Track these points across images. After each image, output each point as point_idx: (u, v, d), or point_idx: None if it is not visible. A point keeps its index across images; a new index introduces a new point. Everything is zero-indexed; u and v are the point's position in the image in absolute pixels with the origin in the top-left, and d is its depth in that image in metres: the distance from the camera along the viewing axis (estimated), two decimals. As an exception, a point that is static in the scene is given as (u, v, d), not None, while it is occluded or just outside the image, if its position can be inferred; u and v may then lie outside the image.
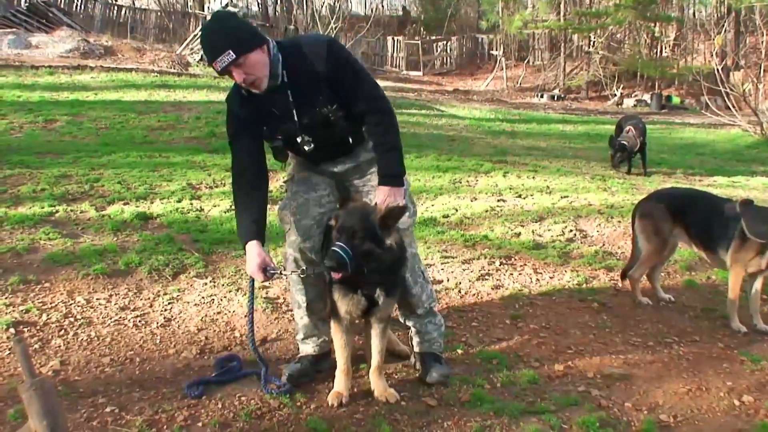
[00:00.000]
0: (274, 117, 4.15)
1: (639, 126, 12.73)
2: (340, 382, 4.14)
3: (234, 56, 3.81)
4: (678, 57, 34.25)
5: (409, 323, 4.55)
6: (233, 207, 4.39)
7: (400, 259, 4.09)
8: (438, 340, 4.53)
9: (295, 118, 4.14)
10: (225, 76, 3.97)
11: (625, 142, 12.37)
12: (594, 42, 35.30)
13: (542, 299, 5.88)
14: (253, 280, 4.24)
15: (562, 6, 34.77)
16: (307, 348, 4.47)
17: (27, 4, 31.13)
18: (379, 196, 4.13)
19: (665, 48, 35.39)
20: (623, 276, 6.15)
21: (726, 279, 5.72)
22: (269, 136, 4.22)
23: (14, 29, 26.63)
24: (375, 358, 4.19)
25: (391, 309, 4.25)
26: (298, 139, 4.19)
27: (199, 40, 28.13)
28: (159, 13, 40.07)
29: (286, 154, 4.37)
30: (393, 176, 4.17)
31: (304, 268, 4.19)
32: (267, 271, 4.06)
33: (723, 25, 29.87)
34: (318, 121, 4.13)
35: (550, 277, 6.38)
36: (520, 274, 6.43)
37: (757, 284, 5.51)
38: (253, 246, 4.05)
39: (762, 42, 25.16)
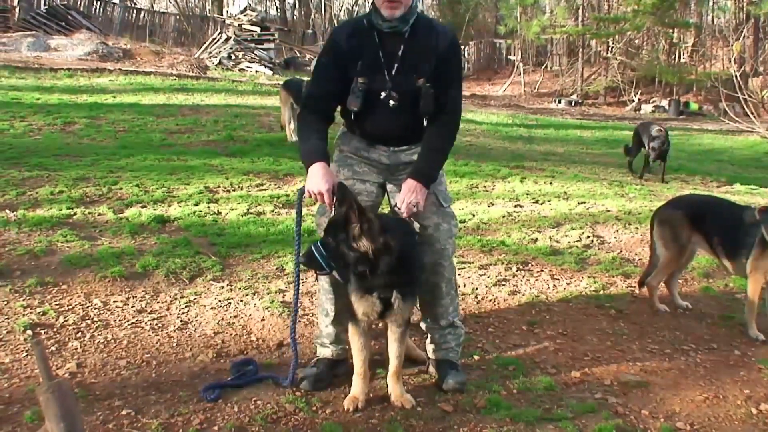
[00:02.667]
0: (376, 60, 4.17)
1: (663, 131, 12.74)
2: (357, 386, 4.12)
3: None
4: (696, 63, 34.10)
5: (429, 331, 4.54)
6: (299, 139, 4.33)
7: (414, 262, 4.05)
8: (455, 349, 4.51)
9: (393, 72, 4.18)
10: None
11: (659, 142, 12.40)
12: (612, 47, 35.21)
13: (559, 305, 5.86)
14: (300, 204, 4.33)
15: (580, 11, 34.73)
16: (326, 351, 4.46)
17: (47, 7, 31.40)
18: (404, 187, 4.13)
19: (683, 54, 35.25)
20: (641, 283, 6.12)
21: (744, 286, 5.67)
22: (359, 73, 4.17)
23: (34, 32, 26.88)
24: (393, 363, 4.16)
25: (409, 313, 4.19)
26: (383, 94, 4.18)
27: (220, 45, 28.45)
28: (178, 17, 40.34)
29: (359, 102, 4.21)
30: (426, 176, 4.18)
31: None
32: (339, 195, 3.95)
33: (741, 32, 29.72)
34: (409, 87, 4.17)
35: (567, 284, 6.35)
36: (536, 280, 6.41)
37: (776, 292, 5.48)
38: (323, 165, 4.04)
39: (781, 48, 25.06)
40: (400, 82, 4.18)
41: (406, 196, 4.08)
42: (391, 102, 4.18)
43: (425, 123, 4.27)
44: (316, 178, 4.01)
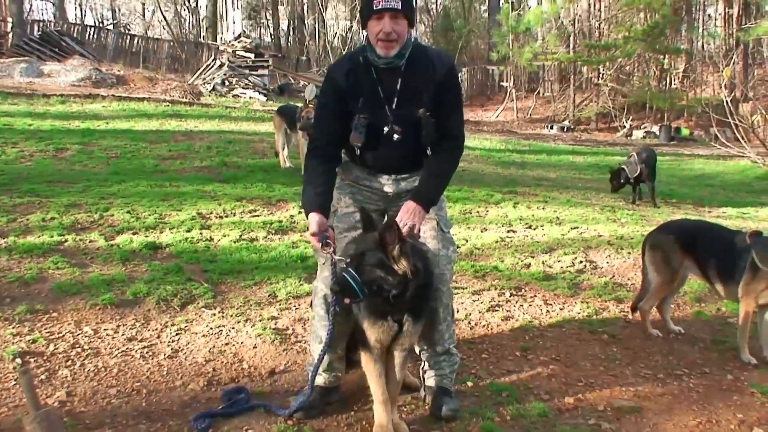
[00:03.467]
0: (376, 96, 4.19)
1: (646, 155, 12.84)
2: (382, 415, 3.98)
3: (399, 8, 4.00)
4: (687, 89, 34.30)
5: (424, 357, 4.50)
6: (305, 179, 4.32)
7: (428, 286, 3.99)
8: (449, 376, 4.47)
9: (394, 106, 4.19)
10: (374, 17, 4.05)
11: (624, 167, 12.76)
12: (603, 74, 35.41)
13: (552, 331, 5.84)
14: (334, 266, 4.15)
15: (571, 38, 34.96)
16: (318, 379, 4.42)
17: (40, 33, 31.49)
18: (403, 209, 4.13)
19: (674, 80, 35.46)
20: (633, 308, 6.12)
21: (735, 311, 5.68)
22: (360, 110, 4.20)
23: (27, 57, 26.88)
24: (391, 389, 4.10)
25: (416, 337, 4.16)
26: (386, 129, 4.20)
27: (214, 71, 28.51)
28: (172, 43, 40.49)
29: (362, 138, 4.24)
30: (427, 199, 4.19)
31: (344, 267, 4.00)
32: (323, 239, 4.00)
33: (731, 57, 29.90)
34: (411, 118, 4.18)
35: (560, 309, 6.34)
36: (530, 305, 6.40)
37: (768, 316, 5.47)
38: (313, 216, 4.06)
39: (771, 74, 25.20)
40: (402, 114, 4.20)
41: (404, 217, 4.08)
42: (395, 136, 4.21)
43: (428, 151, 4.31)
44: (310, 226, 4.06)
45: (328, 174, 4.27)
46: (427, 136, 4.21)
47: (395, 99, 4.19)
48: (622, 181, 12.92)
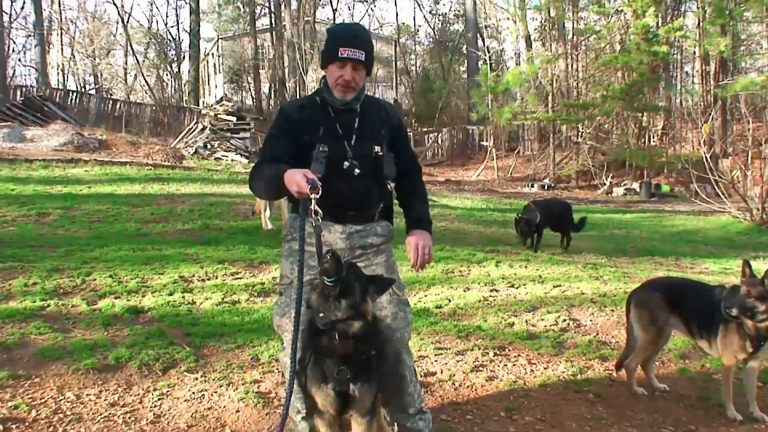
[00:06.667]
0: (334, 131, 4.24)
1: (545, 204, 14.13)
2: None
3: (363, 59, 4.18)
4: (666, 145, 34.70)
5: (401, 422, 4.45)
6: (256, 183, 4.17)
7: (371, 336, 3.86)
8: (428, 436, 4.45)
9: (353, 141, 4.26)
10: (337, 63, 4.16)
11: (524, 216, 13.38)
12: (582, 132, 35.80)
13: (537, 390, 5.81)
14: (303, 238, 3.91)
15: (550, 98, 35.42)
16: (304, 441, 4.40)
17: (23, 98, 31.62)
18: (412, 240, 4.33)
19: (653, 137, 35.87)
20: (618, 366, 6.10)
21: (720, 367, 5.68)
22: (319, 140, 4.18)
23: (9, 123, 26.91)
24: None
25: (370, 400, 3.95)
26: (345, 163, 4.21)
27: (196, 135, 28.59)
28: (154, 107, 40.70)
29: (322, 168, 4.07)
30: (427, 222, 4.50)
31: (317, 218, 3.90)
32: (311, 183, 3.70)
33: (710, 114, 30.34)
34: (369, 154, 4.27)
35: (545, 368, 6.33)
36: (514, 365, 6.38)
37: (752, 370, 5.47)
38: (294, 170, 3.80)
39: (748, 130, 25.52)
40: (360, 150, 4.26)
41: (419, 244, 4.29)
42: (356, 170, 4.23)
43: (391, 186, 4.44)
44: (293, 180, 3.76)
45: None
46: (388, 170, 4.34)
47: (354, 136, 4.27)
48: (523, 229, 13.39)
